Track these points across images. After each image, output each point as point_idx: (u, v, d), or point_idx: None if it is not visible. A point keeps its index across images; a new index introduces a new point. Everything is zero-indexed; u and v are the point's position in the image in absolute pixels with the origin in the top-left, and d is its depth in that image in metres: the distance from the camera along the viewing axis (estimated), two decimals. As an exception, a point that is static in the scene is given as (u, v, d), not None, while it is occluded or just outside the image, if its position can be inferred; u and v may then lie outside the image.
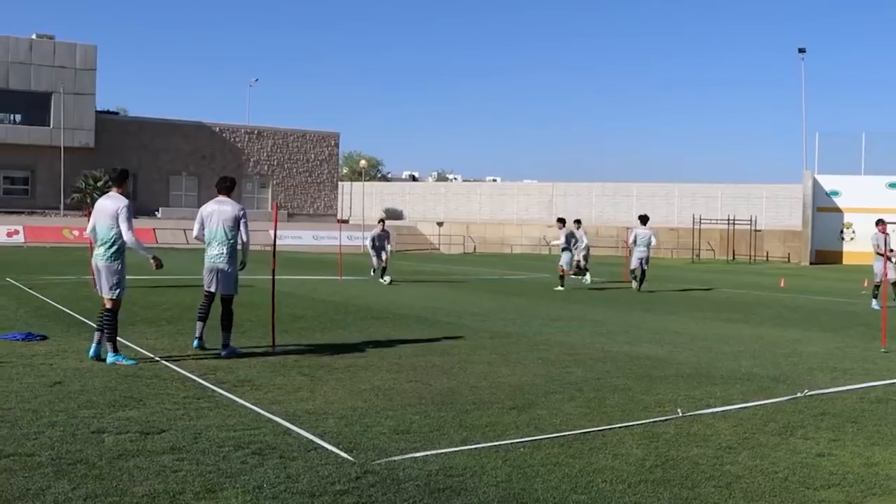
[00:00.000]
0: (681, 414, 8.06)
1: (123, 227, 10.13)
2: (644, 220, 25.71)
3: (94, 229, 10.41)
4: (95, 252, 10.43)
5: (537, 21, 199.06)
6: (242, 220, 11.05)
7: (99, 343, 10.31)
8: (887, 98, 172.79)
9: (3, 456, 6.08)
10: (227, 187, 11.31)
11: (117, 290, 10.27)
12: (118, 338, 10.46)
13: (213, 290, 11.14)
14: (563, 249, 25.29)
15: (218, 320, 11.04)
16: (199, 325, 11.31)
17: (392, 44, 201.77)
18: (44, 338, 11.90)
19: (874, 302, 20.53)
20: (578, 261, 26.71)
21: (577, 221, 27.83)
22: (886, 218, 52.47)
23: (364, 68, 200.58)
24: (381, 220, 29.00)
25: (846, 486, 6.01)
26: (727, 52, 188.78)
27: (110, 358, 10.12)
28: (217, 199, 11.25)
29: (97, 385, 8.70)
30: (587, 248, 27.35)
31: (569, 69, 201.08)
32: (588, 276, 26.81)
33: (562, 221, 26.06)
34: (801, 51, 58.72)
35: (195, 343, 11.25)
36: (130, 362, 10.11)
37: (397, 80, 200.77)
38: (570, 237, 25.65)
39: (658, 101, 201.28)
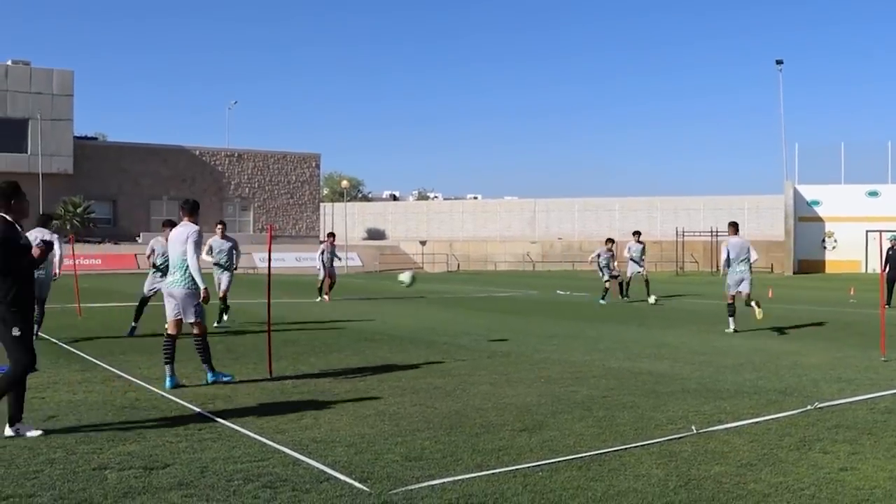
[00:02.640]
0: (695, 431, 7.89)
1: (190, 249, 10.53)
2: (635, 234, 28.20)
3: (166, 258, 11.14)
4: (169, 279, 10.80)
5: (515, 40, 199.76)
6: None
7: (173, 374, 10.43)
8: (865, 108, 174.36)
9: (2, 497, 5.81)
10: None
11: (201, 314, 10.69)
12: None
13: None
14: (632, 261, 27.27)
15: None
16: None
17: (370, 64, 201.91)
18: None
19: None
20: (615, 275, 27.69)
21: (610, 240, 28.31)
22: (867, 227, 52.65)
23: (343, 89, 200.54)
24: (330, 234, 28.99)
25: (876, 502, 5.86)
26: (705, 65, 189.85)
27: (211, 378, 10.66)
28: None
29: (93, 418, 8.44)
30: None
31: (547, 86, 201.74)
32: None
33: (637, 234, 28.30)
34: (779, 62, 59.17)
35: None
36: (228, 377, 10.76)
37: (376, 99, 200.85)
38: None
39: (637, 115, 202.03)
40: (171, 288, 10.66)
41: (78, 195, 59.93)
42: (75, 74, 62.50)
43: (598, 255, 27.13)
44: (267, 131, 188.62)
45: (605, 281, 26.74)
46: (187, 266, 10.56)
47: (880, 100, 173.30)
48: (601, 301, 26.09)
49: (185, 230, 10.70)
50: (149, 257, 16.05)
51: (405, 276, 15.87)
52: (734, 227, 18.15)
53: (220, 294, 18.46)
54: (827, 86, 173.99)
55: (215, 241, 18.92)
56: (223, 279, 18.75)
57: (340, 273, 27.89)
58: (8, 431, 7.62)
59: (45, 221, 15.26)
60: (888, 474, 6.54)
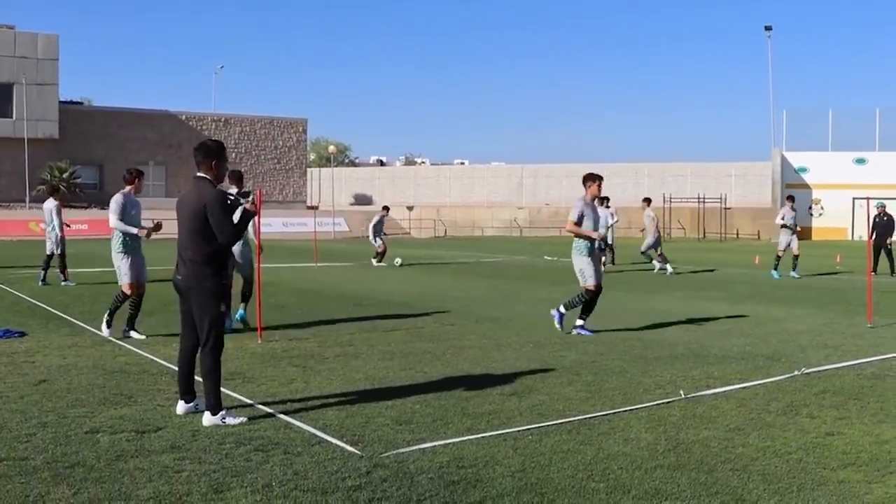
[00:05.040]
0: (683, 396, 7.95)
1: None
2: (602, 200, 24.31)
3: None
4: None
5: (502, 5, 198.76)
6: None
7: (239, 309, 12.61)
8: (853, 74, 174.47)
9: (-4, 460, 5.84)
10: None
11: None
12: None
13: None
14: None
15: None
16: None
17: (357, 28, 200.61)
18: (22, 334, 11.60)
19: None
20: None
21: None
22: (854, 194, 52.81)
23: (330, 53, 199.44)
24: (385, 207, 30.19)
25: (862, 466, 5.92)
26: (694, 30, 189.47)
27: (242, 314, 12.66)
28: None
29: (84, 382, 8.45)
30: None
31: (535, 51, 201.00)
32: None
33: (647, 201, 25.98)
34: (768, 28, 59.10)
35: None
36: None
37: (363, 64, 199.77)
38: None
39: (625, 80, 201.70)
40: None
41: (64, 160, 59.50)
42: (60, 38, 61.92)
43: (783, 217, 23.29)
44: (254, 96, 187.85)
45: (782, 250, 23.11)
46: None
47: (868, 67, 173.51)
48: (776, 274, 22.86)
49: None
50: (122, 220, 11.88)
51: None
52: (602, 201, 23.61)
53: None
54: (815, 52, 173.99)
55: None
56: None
57: (327, 238, 27.90)
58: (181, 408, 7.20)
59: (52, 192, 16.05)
60: (874, 438, 6.62)
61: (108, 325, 11.65)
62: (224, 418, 6.83)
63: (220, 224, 6.95)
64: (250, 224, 12.40)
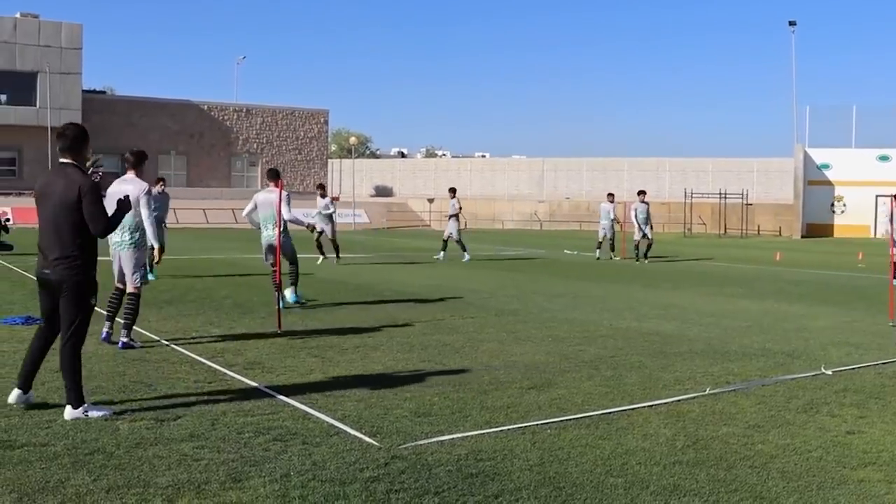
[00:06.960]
0: (708, 392, 7.91)
1: (285, 207, 12.60)
2: (609, 196, 29.69)
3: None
4: (267, 234, 13.45)
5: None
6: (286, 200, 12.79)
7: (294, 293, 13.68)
8: (878, 71, 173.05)
9: (17, 446, 5.88)
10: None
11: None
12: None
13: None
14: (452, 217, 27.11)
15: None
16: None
17: (380, 20, 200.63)
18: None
19: None
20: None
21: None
22: (877, 191, 52.31)
23: (352, 45, 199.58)
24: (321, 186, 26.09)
25: (883, 465, 5.88)
26: (717, 25, 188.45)
27: (293, 298, 13.73)
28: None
29: (105, 370, 8.50)
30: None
31: (558, 44, 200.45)
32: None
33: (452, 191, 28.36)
34: (792, 24, 58.63)
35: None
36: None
37: (385, 56, 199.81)
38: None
39: (648, 74, 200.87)
40: (273, 240, 13.04)
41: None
42: (84, 28, 62.20)
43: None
44: (276, 86, 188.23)
45: None
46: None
47: (893, 63, 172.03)
48: None
49: (275, 195, 12.51)
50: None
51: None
52: (610, 196, 29.12)
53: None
54: (839, 48, 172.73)
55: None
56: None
57: (347, 230, 27.80)
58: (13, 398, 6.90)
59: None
60: (895, 438, 6.56)
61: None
62: (87, 411, 6.60)
63: (94, 214, 6.54)
64: (267, 214, 12.84)
